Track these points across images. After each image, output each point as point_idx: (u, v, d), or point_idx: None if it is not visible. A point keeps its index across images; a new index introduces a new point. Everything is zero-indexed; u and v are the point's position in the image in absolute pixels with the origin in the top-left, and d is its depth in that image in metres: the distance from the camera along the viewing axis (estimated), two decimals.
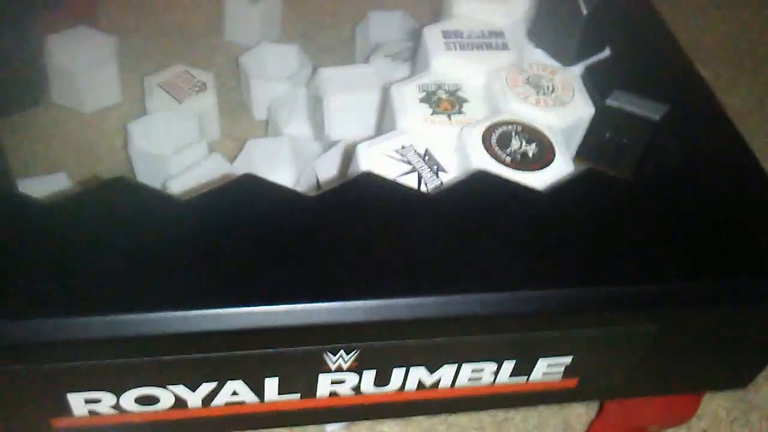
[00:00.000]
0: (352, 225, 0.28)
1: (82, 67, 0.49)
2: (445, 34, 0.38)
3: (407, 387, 0.30)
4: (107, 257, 0.26)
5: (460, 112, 0.35)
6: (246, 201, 0.28)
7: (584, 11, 0.35)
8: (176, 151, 0.45)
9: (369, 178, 0.30)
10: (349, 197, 0.29)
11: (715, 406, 0.43)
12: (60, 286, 0.25)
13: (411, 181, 0.31)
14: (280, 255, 0.27)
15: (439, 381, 0.30)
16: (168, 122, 0.46)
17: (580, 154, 0.38)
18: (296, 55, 0.53)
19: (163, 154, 0.44)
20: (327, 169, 0.44)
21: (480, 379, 0.30)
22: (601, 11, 0.36)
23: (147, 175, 0.45)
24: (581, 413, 0.42)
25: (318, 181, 0.44)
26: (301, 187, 0.45)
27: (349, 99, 0.44)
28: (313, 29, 0.61)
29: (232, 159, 0.46)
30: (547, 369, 0.30)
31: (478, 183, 0.30)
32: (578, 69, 0.38)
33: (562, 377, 0.31)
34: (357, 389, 0.29)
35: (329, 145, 0.46)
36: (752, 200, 0.32)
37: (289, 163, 0.47)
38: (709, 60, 0.64)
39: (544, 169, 0.32)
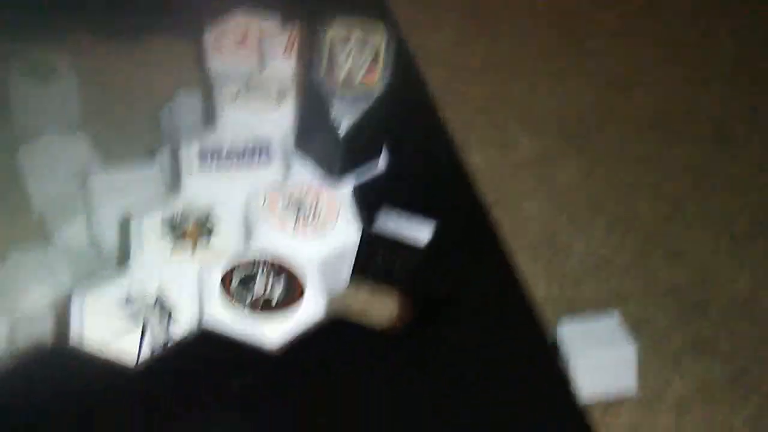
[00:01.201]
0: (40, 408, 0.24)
1: None
2: (202, 151, 0.34)
3: None
4: None
5: (206, 242, 0.31)
6: None
7: (340, 134, 0.32)
8: None
9: (62, 349, 0.26)
10: (36, 372, 0.25)
11: None
12: None
13: (133, 340, 0.27)
14: None
15: None
16: None
17: (357, 276, 0.35)
18: (85, 148, 0.48)
19: None
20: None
21: None
22: (366, 129, 0.33)
23: None
24: None
25: None
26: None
27: (121, 206, 0.40)
28: (114, 112, 0.56)
29: None
30: None
31: (198, 346, 0.26)
32: (349, 184, 0.35)
33: None
34: None
35: (105, 257, 0.41)
36: (519, 343, 0.30)
37: (64, 276, 0.42)
38: (539, 130, 0.63)
39: (287, 314, 0.29)
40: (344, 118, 0.32)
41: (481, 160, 0.58)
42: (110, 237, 0.40)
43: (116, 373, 0.25)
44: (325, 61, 0.31)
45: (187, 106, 0.52)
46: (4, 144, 0.51)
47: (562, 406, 0.27)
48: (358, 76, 0.31)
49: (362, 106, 0.31)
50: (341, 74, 0.31)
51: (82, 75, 0.54)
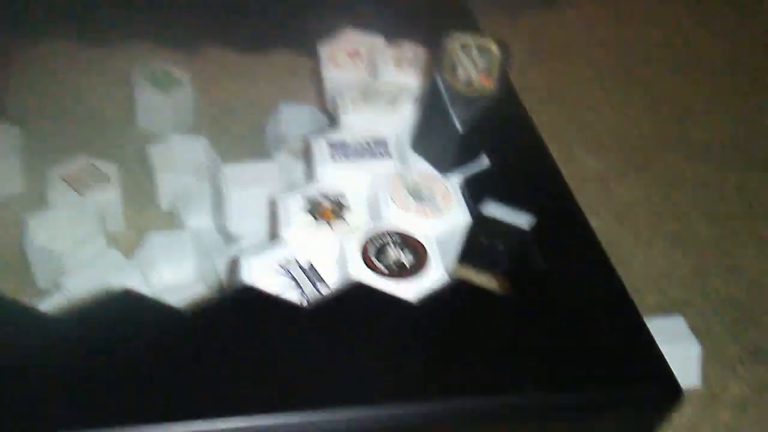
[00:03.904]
0: (228, 342, 0.29)
1: None
2: (331, 145, 0.40)
3: None
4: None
5: (342, 219, 0.37)
6: (124, 318, 0.29)
7: (459, 128, 0.37)
8: (73, 246, 0.45)
9: (247, 292, 0.31)
10: (226, 313, 0.30)
11: None
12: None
13: (292, 295, 0.33)
14: (157, 374, 0.27)
15: None
16: (67, 216, 0.46)
17: (462, 259, 0.40)
18: (204, 147, 0.54)
19: (59, 249, 0.44)
20: (227, 265, 0.45)
21: None
22: (477, 128, 0.39)
23: (42, 271, 0.45)
24: None
25: (218, 277, 0.45)
26: (202, 282, 0.46)
27: (250, 195, 0.45)
28: (226, 119, 0.62)
29: (136, 249, 0.47)
30: None
31: (352, 296, 0.32)
32: (457, 178, 0.40)
33: None
34: None
35: (232, 239, 0.47)
36: (607, 309, 0.34)
37: (191, 256, 0.48)
38: (602, 151, 0.68)
39: (418, 277, 0.34)
40: (462, 115, 0.37)
41: None
42: (240, 219, 0.45)
43: (291, 312, 0.31)
44: (448, 65, 0.37)
45: (289, 113, 0.58)
46: (133, 144, 0.58)
47: (648, 356, 0.32)
48: (476, 80, 0.37)
49: (478, 106, 0.37)
50: (462, 76, 0.37)
51: (200, 85, 0.61)
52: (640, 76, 0.79)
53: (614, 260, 0.57)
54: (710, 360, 0.50)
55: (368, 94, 0.44)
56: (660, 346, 0.43)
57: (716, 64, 0.84)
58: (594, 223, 0.61)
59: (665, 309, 0.53)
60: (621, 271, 0.56)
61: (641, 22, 0.90)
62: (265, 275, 0.34)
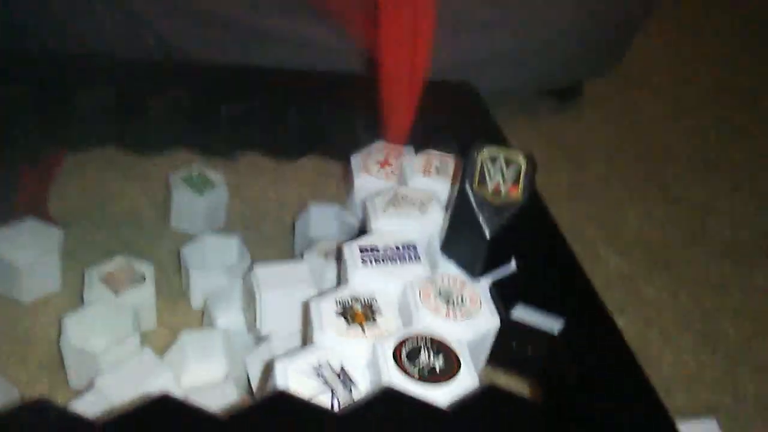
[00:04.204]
0: None
1: (25, 260, 0.51)
2: (362, 249, 0.41)
3: None
4: None
5: (374, 322, 0.38)
6: (162, 424, 0.30)
7: (487, 236, 0.39)
8: (108, 346, 0.46)
9: (282, 397, 0.32)
10: (261, 418, 0.31)
11: None
12: None
13: (325, 400, 0.33)
14: None
15: None
16: (102, 315, 0.48)
17: (492, 362, 0.40)
18: (236, 246, 0.56)
19: (94, 350, 0.45)
20: (257, 365, 0.46)
21: None
22: (504, 232, 0.40)
23: (77, 370, 0.46)
24: None
25: (248, 376, 0.46)
26: (232, 381, 0.46)
27: (281, 295, 0.46)
28: (257, 219, 0.64)
29: (167, 347, 0.47)
30: None
31: (384, 400, 0.32)
32: (486, 281, 0.41)
33: None
34: None
35: (261, 339, 0.48)
36: (638, 412, 0.34)
37: (221, 356, 0.48)
38: (627, 252, 0.69)
39: (450, 382, 0.34)
40: (491, 224, 0.38)
41: None
42: (271, 320, 0.46)
43: (323, 420, 0.31)
44: (477, 176, 0.38)
45: (318, 214, 0.59)
46: (169, 243, 0.60)
47: None
48: (504, 190, 0.38)
49: (506, 215, 0.38)
50: (490, 186, 0.38)
51: (234, 188, 0.63)
52: (660, 174, 0.81)
53: (642, 361, 0.57)
54: None
55: (397, 200, 0.46)
56: None
57: (735, 161, 0.85)
58: (621, 323, 0.61)
59: (696, 411, 0.52)
60: (650, 372, 0.56)
61: (659, 120, 0.92)
62: (299, 379, 0.34)
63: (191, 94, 0.54)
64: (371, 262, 0.41)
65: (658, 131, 0.90)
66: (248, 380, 0.46)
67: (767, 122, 0.95)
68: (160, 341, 0.51)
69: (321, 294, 0.40)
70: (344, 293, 0.39)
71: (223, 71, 0.60)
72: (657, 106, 0.96)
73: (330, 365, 0.35)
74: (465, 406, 0.33)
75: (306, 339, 0.38)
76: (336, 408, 0.33)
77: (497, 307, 0.39)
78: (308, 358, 0.35)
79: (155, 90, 0.54)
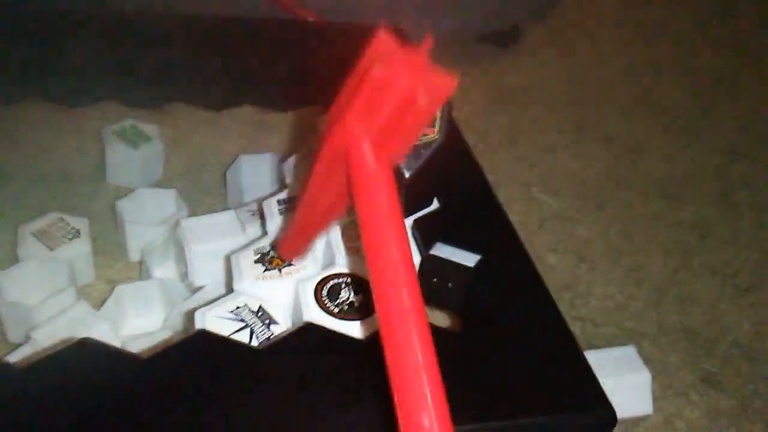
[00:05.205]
0: (183, 384, 0.31)
1: None
2: (279, 201, 0.43)
3: None
4: None
5: (291, 266, 0.39)
6: (81, 366, 0.31)
7: (406, 174, 0.40)
8: (43, 299, 0.46)
9: (201, 335, 0.33)
10: (181, 355, 0.32)
11: None
12: None
13: (243, 336, 0.35)
14: (113, 421, 0.29)
15: None
16: (37, 271, 0.48)
17: None
18: (173, 199, 0.56)
19: (29, 303, 0.46)
20: (192, 313, 0.47)
21: None
22: (425, 172, 0.41)
23: (14, 325, 0.47)
24: None
25: (184, 325, 0.47)
26: (169, 330, 0.47)
27: (209, 247, 0.47)
28: (196, 171, 0.65)
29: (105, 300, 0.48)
30: None
31: (304, 335, 0.33)
32: (408, 221, 0.43)
33: None
34: None
35: (194, 289, 0.49)
36: (551, 344, 0.36)
37: (158, 306, 0.49)
38: (561, 192, 0.71)
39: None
40: (409, 165, 0.40)
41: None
42: (201, 271, 0.47)
43: (244, 354, 0.32)
44: None
45: (249, 165, 0.59)
46: (103, 198, 0.60)
47: (585, 386, 0.34)
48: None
49: (424, 155, 0.39)
50: None
51: (169, 140, 0.63)
52: (594, 116, 0.83)
53: (573, 295, 0.60)
54: (665, 388, 0.52)
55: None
56: (611, 376, 0.45)
57: (667, 101, 0.88)
58: (553, 260, 0.63)
59: (621, 341, 0.55)
60: (579, 304, 0.59)
61: (594, 63, 0.94)
62: (218, 322, 0.35)
63: (113, 45, 0.54)
64: (289, 210, 0.42)
65: (592, 74, 0.92)
66: (185, 329, 0.47)
67: (699, 63, 0.97)
68: (99, 295, 0.52)
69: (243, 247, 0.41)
70: (262, 243, 0.41)
71: (146, 19, 0.59)
72: (593, 49, 0.97)
73: (248, 307, 0.36)
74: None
75: (229, 290, 0.40)
76: (255, 344, 0.35)
77: (417, 245, 0.41)
78: (227, 305, 0.37)
79: (78, 41, 0.53)
